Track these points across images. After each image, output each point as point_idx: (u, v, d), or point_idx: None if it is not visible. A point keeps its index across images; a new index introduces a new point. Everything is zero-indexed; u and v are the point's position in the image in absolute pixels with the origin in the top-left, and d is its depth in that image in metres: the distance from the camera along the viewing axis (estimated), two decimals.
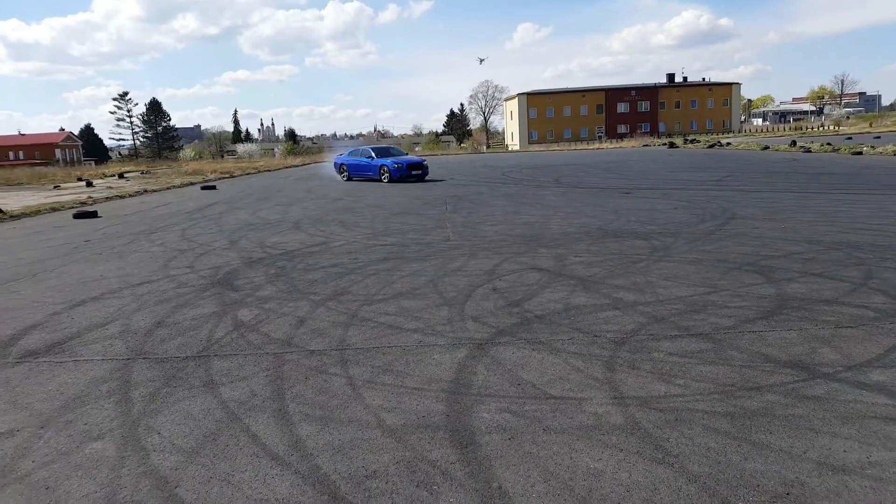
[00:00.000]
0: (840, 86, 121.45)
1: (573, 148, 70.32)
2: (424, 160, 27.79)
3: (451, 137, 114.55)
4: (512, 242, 10.27)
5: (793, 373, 4.50)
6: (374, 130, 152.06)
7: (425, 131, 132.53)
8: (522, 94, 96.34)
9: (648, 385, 4.38)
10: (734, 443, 3.55)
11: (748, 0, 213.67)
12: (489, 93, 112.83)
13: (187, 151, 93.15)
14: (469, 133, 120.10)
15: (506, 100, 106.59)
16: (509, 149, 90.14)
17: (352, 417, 4.07)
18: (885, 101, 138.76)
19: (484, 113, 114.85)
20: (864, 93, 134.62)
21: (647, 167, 28.72)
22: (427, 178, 26.63)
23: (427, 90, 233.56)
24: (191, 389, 4.67)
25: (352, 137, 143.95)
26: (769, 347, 5.01)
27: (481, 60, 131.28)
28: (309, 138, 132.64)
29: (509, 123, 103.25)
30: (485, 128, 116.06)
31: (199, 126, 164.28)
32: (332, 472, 3.44)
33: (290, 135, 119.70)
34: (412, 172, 25.59)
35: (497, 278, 7.69)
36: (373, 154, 26.92)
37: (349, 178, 27.54)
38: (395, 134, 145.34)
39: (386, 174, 25.62)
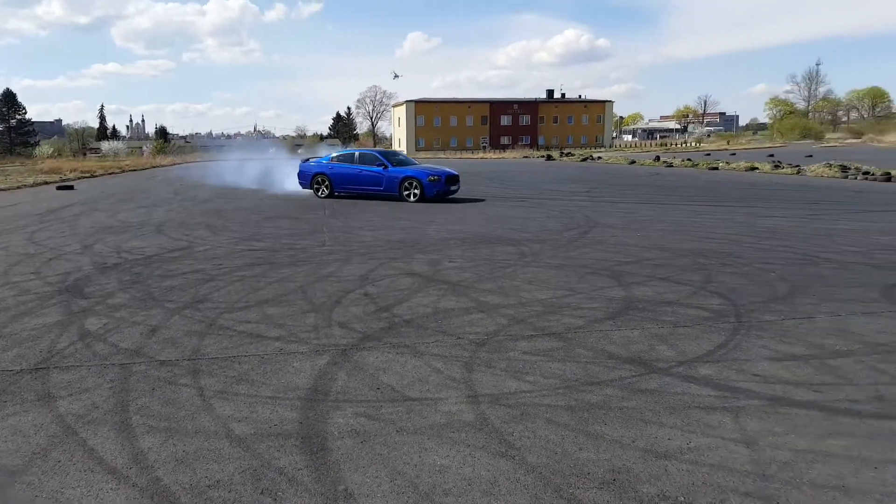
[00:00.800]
0: (703, 106, 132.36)
1: (459, 157, 71.68)
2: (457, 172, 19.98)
3: (337, 141, 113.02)
4: (389, 248, 10.32)
5: (632, 368, 4.85)
6: (254, 130, 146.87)
7: (309, 133, 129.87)
8: (410, 101, 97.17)
9: (501, 383, 4.56)
10: (572, 434, 3.77)
11: (625, 22, 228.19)
12: (377, 98, 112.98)
13: (44, 148, 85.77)
14: (356, 137, 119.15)
15: (394, 106, 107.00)
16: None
17: (199, 428, 3.93)
18: (742, 122, 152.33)
19: (371, 118, 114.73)
20: (725, 113, 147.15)
21: (525, 177, 29.82)
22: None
23: (313, 92, 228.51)
24: (23, 404, 4.31)
25: (229, 136, 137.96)
26: (613, 345, 5.37)
27: (396, 76, 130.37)
28: (181, 137, 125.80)
29: (397, 130, 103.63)
30: (372, 133, 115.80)
31: (60, 121, 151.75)
32: (172, 483, 3.30)
33: (161, 132, 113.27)
34: (450, 188, 18.64)
35: (370, 283, 7.70)
36: (385, 161, 18.90)
37: (330, 194, 19.43)
38: (277, 134, 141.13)
39: (414, 191, 18.06)
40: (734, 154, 54.62)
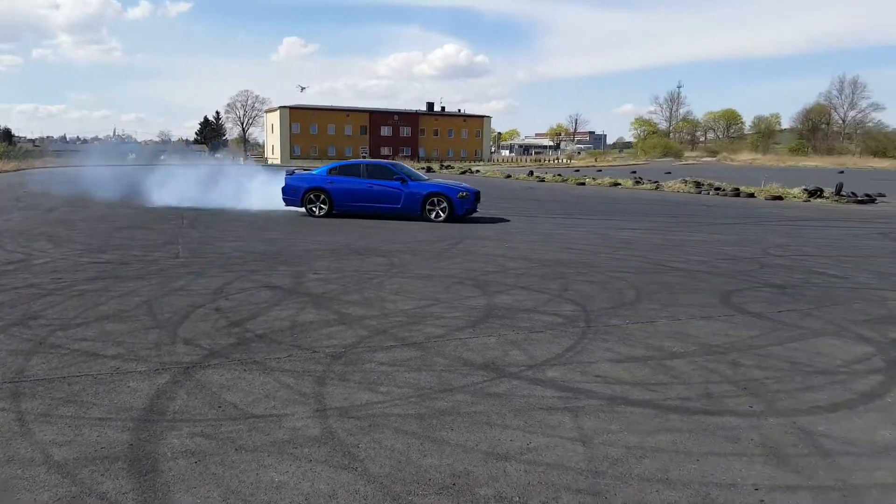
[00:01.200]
0: (574, 124, 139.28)
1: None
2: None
3: (205, 147, 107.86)
4: (250, 260, 9.95)
5: (484, 374, 4.95)
6: (114, 134, 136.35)
7: (174, 138, 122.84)
8: (285, 107, 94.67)
9: (353, 395, 4.49)
10: (418, 442, 3.77)
11: (503, 40, 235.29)
12: (249, 103, 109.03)
13: None
14: (225, 143, 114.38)
15: (267, 112, 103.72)
16: (269, 162, 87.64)
17: (13, 455, 3.55)
18: (610, 140, 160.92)
19: (242, 123, 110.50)
20: (594, 132, 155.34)
21: None
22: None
23: (179, 95, 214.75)
24: None
25: (85, 141, 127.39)
26: (470, 352, 5.46)
27: (302, 88, 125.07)
28: (30, 140, 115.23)
29: (270, 136, 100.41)
30: (243, 138, 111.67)
31: None
32: None
33: (6, 135, 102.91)
34: (476, 206, 17.19)
35: (224, 297, 7.36)
36: (402, 175, 16.73)
37: (328, 213, 16.85)
38: (140, 140, 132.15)
39: (439, 209, 16.23)
40: (601, 170, 57.87)
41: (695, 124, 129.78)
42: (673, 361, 5.42)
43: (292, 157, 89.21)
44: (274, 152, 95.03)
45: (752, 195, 26.93)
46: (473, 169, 59.99)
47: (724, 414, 4.37)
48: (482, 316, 6.71)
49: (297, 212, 17.25)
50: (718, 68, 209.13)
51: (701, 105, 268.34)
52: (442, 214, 16.16)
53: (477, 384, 4.73)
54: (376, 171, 17.02)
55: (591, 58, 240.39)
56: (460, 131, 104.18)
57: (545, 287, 8.26)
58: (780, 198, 25.79)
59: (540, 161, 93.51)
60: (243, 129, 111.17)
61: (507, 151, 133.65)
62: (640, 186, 33.74)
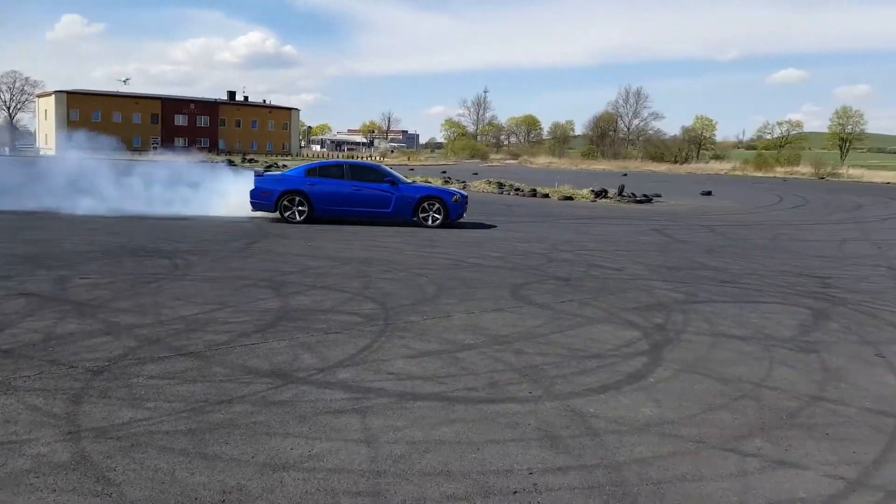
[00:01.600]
0: (387, 122, 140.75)
1: (129, 159, 64.56)
2: None
3: None
4: (4, 263, 8.60)
5: (269, 381, 4.69)
6: None
7: None
8: (61, 91, 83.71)
9: (114, 413, 4.00)
10: (186, 459, 3.45)
11: (312, 32, 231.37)
12: (17, 85, 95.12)
13: None
14: None
15: (39, 96, 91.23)
16: (41, 152, 77.33)
17: None
18: (423, 140, 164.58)
19: (9, 108, 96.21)
20: (407, 131, 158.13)
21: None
22: None
23: None
24: None
25: None
26: (256, 359, 5.16)
27: (125, 81, 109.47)
28: None
29: (43, 124, 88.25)
30: (9, 126, 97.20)
31: None
32: None
33: None
34: (465, 210, 16.45)
35: None
36: (392, 177, 15.72)
37: (308, 218, 15.13)
38: None
39: (434, 214, 15.52)
40: (413, 169, 58.92)
41: (499, 128, 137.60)
42: (464, 353, 5.58)
43: (69, 147, 79.32)
44: (47, 142, 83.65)
45: (546, 195, 29.04)
46: (280, 164, 58.00)
47: (506, 401, 4.57)
48: (274, 319, 6.40)
49: (66, 207, 15.31)
50: (521, 76, 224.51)
51: (506, 110, 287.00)
52: (436, 219, 15.48)
53: (260, 392, 4.46)
54: (362, 172, 15.84)
55: (406, 58, 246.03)
56: (266, 123, 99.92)
57: (346, 286, 8.13)
58: (570, 198, 28.11)
59: (353, 158, 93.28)
60: (10, 115, 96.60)
61: (319, 146, 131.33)
62: (449, 185, 34.92)
